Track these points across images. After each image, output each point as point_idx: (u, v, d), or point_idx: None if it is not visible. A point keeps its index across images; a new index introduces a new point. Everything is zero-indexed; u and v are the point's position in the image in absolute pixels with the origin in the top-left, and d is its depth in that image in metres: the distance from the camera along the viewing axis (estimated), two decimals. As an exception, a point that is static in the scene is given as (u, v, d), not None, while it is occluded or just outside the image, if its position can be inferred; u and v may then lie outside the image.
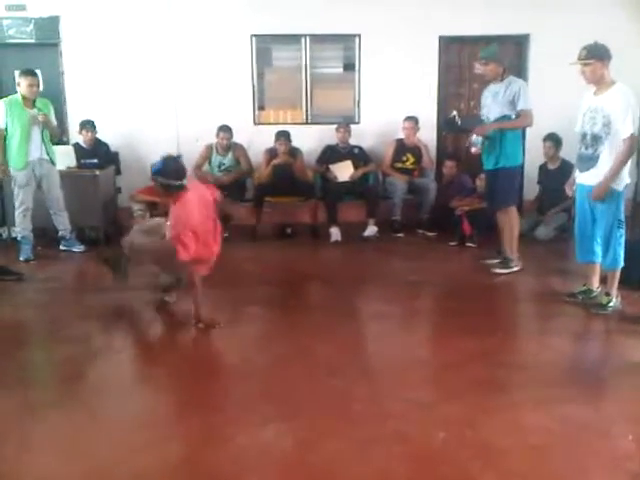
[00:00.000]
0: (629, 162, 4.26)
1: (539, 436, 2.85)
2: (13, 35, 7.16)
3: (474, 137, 5.27)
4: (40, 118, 5.70)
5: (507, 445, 2.77)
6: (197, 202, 4.13)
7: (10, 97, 5.82)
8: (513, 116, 5.14)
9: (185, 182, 4.14)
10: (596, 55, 4.19)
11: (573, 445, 2.81)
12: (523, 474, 2.57)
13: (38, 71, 5.88)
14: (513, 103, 5.13)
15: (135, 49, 7.22)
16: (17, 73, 5.99)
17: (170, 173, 4.10)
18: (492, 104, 5.24)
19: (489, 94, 5.33)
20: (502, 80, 5.22)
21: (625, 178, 4.25)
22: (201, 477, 2.55)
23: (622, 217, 4.30)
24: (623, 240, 4.33)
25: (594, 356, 3.98)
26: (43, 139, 5.82)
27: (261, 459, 2.68)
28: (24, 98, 5.71)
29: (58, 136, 6.19)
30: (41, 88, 5.88)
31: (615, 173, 4.17)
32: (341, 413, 3.06)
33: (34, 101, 5.75)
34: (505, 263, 5.43)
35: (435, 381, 3.50)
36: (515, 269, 5.40)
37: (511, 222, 5.41)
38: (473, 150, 5.38)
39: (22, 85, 5.68)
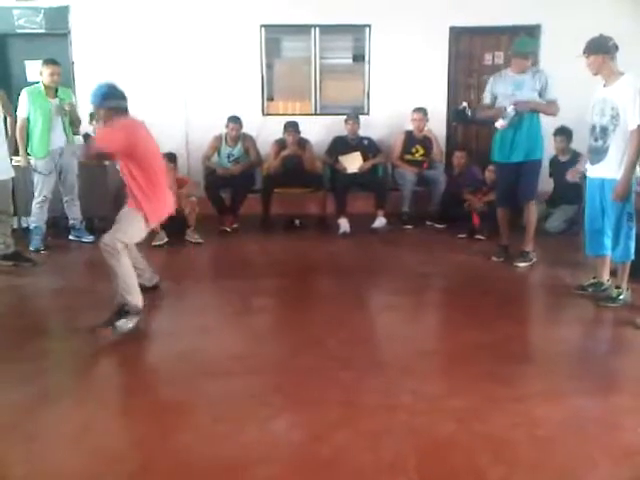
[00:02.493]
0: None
1: (548, 428, 2.84)
2: (23, 25, 7.18)
3: (510, 109, 5.13)
4: (67, 107, 5.76)
5: (516, 437, 2.77)
6: (147, 134, 4.11)
7: (32, 87, 5.87)
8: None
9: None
10: (593, 49, 4.23)
11: (582, 437, 2.81)
12: (532, 466, 2.57)
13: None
14: (541, 93, 5.16)
15: (145, 39, 7.22)
16: (29, 63, 6.02)
17: (120, 93, 4.05)
18: (518, 95, 5.17)
19: (510, 84, 5.24)
20: (524, 71, 5.21)
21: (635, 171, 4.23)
22: (211, 469, 2.56)
23: (632, 210, 4.28)
24: (633, 233, 4.31)
25: (603, 349, 3.97)
26: (65, 129, 5.85)
27: (270, 450, 2.69)
28: (46, 87, 5.75)
29: (79, 126, 6.23)
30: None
31: (630, 168, 4.13)
32: (350, 405, 3.06)
33: (56, 90, 5.80)
34: (525, 256, 5.43)
35: (444, 373, 3.50)
36: (534, 260, 5.44)
37: (533, 216, 5.45)
38: (499, 124, 5.21)
39: (44, 74, 5.72)
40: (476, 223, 6.36)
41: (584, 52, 4.26)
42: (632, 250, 4.32)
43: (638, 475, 2.53)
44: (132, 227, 4.00)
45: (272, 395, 3.19)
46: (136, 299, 3.91)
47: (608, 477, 2.54)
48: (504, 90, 5.31)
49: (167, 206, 4.19)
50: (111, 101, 4.01)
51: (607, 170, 4.25)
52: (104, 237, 3.90)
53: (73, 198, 6.08)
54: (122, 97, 4.06)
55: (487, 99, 5.45)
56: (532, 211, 5.45)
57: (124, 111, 4.04)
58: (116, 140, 3.89)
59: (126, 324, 3.86)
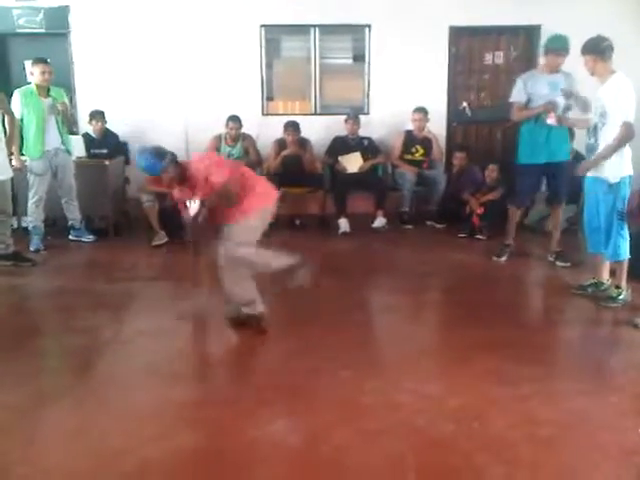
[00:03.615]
0: (625, 151, 4.22)
1: (547, 428, 2.84)
2: (23, 25, 7.17)
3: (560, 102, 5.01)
4: (60, 107, 5.74)
5: (515, 437, 2.77)
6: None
7: (24, 87, 5.85)
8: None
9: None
10: (586, 49, 4.30)
11: (582, 438, 2.81)
12: (531, 466, 2.57)
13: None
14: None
15: (145, 39, 7.21)
16: (28, 63, 6.01)
17: (169, 156, 3.78)
18: (552, 96, 5.06)
19: (545, 84, 5.16)
20: (557, 71, 5.17)
21: (622, 170, 4.24)
22: (211, 468, 2.57)
23: (622, 209, 4.27)
24: (625, 232, 4.31)
25: (603, 349, 3.96)
26: (59, 128, 5.85)
27: (271, 450, 2.69)
28: (38, 87, 5.74)
29: (72, 126, 6.21)
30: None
31: (602, 156, 4.22)
32: (350, 405, 3.07)
33: (48, 90, 5.79)
34: (564, 256, 5.42)
35: (444, 373, 3.50)
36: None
37: (561, 216, 5.49)
38: (553, 120, 4.96)
39: (35, 74, 5.71)
40: (476, 223, 6.36)
41: (581, 51, 4.33)
42: (624, 249, 4.31)
43: (638, 475, 2.52)
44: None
45: (271, 395, 3.19)
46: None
47: (609, 477, 2.54)
48: (539, 90, 5.19)
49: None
50: (170, 167, 3.76)
51: (596, 170, 4.32)
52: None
53: (72, 199, 6.07)
54: (174, 157, 3.82)
55: (522, 98, 5.30)
56: (561, 212, 5.49)
57: (181, 167, 3.84)
58: (223, 171, 3.75)
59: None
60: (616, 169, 4.24)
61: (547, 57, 5.22)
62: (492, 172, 6.60)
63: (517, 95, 5.35)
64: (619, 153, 4.20)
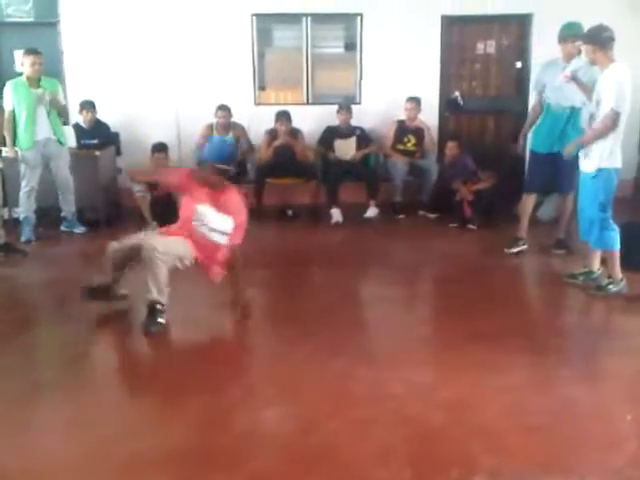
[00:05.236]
0: (609, 144, 4.20)
1: (538, 417, 2.87)
2: (11, 14, 7.09)
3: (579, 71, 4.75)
4: (47, 97, 5.70)
5: (506, 426, 2.79)
6: None
7: (16, 79, 5.84)
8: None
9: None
10: (586, 37, 4.30)
11: (572, 426, 2.83)
12: (521, 454, 2.59)
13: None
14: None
15: (135, 29, 7.15)
16: (17, 53, 5.97)
17: (228, 157, 4.14)
18: (565, 89, 4.98)
19: (558, 74, 4.99)
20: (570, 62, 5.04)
21: (602, 161, 4.22)
22: (202, 459, 2.57)
23: (604, 200, 4.28)
24: (610, 223, 4.32)
25: (593, 338, 3.98)
26: (50, 119, 5.81)
27: (263, 441, 2.70)
28: (28, 78, 5.72)
29: (65, 116, 6.17)
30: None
31: (587, 139, 4.26)
32: (342, 394, 3.08)
33: (39, 80, 5.75)
34: (562, 243, 5.44)
35: (435, 362, 3.52)
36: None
37: (570, 206, 5.37)
38: (565, 77, 4.72)
39: (25, 65, 5.69)
40: (467, 213, 6.37)
41: (582, 39, 4.34)
42: (610, 239, 4.33)
43: (627, 463, 2.54)
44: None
45: (264, 385, 3.20)
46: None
47: (599, 465, 2.56)
48: (552, 79, 5.12)
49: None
50: (219, 163, 4.06)
51: (587, 156, 4.34)
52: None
53: (68, 191, 6.04)
54: (230, 161, 4.18)
55: (537, 87, 5.34)
56: (571, 202, 5.36)
57: (230, 176, 4.18)
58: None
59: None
60: (596, 160, 4.24)
61: (560, 48, 5.16)
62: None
63: (534, 83, 5.44)
64: (602, 143, 4.19)
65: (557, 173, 5.28)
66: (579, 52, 4.91)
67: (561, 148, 4.98)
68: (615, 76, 4.15)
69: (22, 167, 5.80)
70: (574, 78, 4.65)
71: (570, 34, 5.03)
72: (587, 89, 4.56)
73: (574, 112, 5.07)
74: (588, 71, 4.82)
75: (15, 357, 3.55)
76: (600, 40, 4.21)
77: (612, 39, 4.21)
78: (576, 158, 4.63)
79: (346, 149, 6.89)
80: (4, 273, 5.12)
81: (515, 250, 5.43)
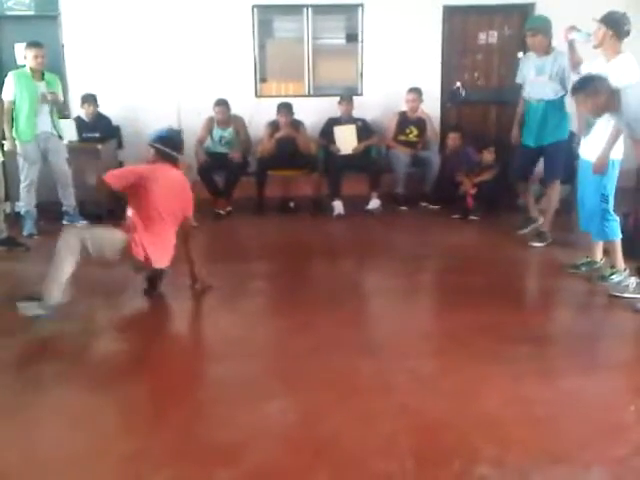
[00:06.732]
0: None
1: (541, 407, 2.86)
2: (12, 7, 7.07)
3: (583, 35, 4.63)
4: (49, 97, 5.69)
5: (509, 416, 2.79)
6: (171, 186, 4.11)
7: (19, 70, 5.82)
8: (565, 94, 5.04)
9: (179, 158, 4.21)
10: (605, 20, 4.25)
11: (575, 416, 2.83)
12: (525, 445, 2.58)
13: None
14: (563, 80, 5.07)
15: (136, 21, 7.13)
16: (18, 46, 5.95)
17: (172, 142, 4.22)
18: (539, 81, 5.07)
19: (532, 68, 5.17)
20: (547, 53, 5.11)
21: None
22: (204, 453, 2.57)
23: (606, 192, 4.26)
24: (610, 214, 4.29)
25: (596, 328, 3.98)
26: (51, 113, 5.81)
27: (265, 434, 2.69)
28: (32, 71, 5.70)
29: (61, 111, 6.16)
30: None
31: (611, 141, 4.12)
32: (345, 386, 3.08)
33: (42, 73, 5.74)
34: (542, 236, 5.42)
35: (438, 354, 3.51)
36: (550, 241, 5.40)
37: (555, 196, 5.43)
38: (571, 36, 4.57)
39: (28, 57, 5.67)
40: (470, 204, 6.35)
41: (599, 19, 4.27)
42: (612, 230, 4.31)
43: (631, 452, 2.54)
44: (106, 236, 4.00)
45: (266, 377, 3.20)
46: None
47: (601, 455, 2.55)
48: (527, 73, 5.21)
49: (156, 253, 4.08)
50: (161, 144, 4.18)
51: (590, 146, 4.31)
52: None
53: (67, 185, 6.03)
54: (174, 147, 4.23)
55: (519, 80, 5.41)
56: (555, 191, 5.42)
57: (171, 159, 4.20)
58: (122, 177, 4.08)
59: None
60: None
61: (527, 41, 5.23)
62: (490, 153, 6.58)
63: (518, 76, 5.46)
64: (607, 135, 4.17)
65: (536, 164, 5.35)
66: (549, 44, 5.06)
67: (539, 140, 5.16)
68: (630, 67, 4.14)
69: (20, 161, 5.79)
70: (571, 42, 4.65)
71: (527, 27, 5.18)
72: (576, 57, 4.65)
73: (548, 104, 5.15)
74: (557, 59, 5.00)
75: (17, 349, 3.55)
76: (620, 29, 4.20)
77: (629, 33, 4.21)
78: (564, 146, 4.73)
79: (345, 136, 6.85)
80: (6, 267, 5.11)
81: (527, 230, 5.56)
